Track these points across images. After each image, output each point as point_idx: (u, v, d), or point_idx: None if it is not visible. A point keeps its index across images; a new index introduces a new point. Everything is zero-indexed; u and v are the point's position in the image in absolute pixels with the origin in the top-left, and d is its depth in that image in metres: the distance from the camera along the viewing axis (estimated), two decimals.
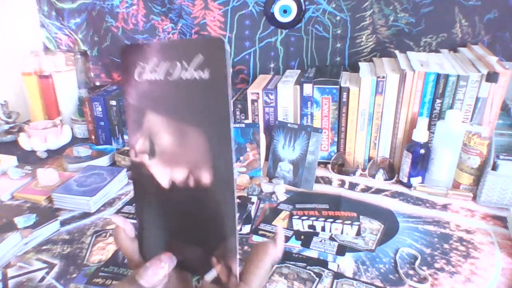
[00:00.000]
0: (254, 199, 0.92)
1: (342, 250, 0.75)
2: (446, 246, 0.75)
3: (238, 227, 0.31)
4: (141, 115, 0.32)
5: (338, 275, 0.68)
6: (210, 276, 0.32)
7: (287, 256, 0.73)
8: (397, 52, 1.07)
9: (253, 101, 1.06)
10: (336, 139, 1.06)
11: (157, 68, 0.30)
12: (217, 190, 0.30)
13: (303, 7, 1.17)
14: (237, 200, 0.30)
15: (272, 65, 1.26)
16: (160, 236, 0.34)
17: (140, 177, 0.33)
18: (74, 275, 0.69)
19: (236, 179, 0.30)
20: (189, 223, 0.33)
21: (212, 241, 0.32)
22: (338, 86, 1.00)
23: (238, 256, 0.31)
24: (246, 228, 0.81)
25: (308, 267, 0.70)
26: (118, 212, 0.88)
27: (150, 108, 0.31)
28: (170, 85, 0.30)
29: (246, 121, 1.07)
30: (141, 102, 0.32)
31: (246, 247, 0.75)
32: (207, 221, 0.32)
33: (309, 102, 1.03)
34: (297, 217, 0.85)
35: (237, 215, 0.30)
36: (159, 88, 0.30)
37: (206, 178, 0.30)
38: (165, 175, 0.32)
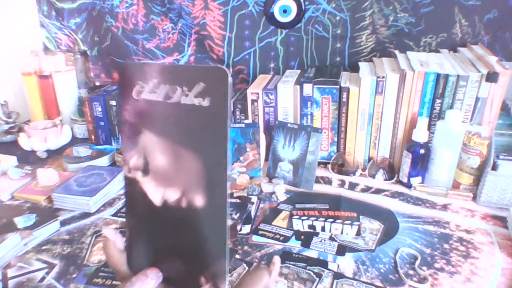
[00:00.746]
0: (254, 199, 0.92)
1: (342, 250, 0.75)
2: (446, 246, 0.75)
3: (228, 248, 0.31)
4: (137, 133, 0.32)
5: (338, 275, 0.68)
6: None
7: (287, 256, 0.73)
8: (397, 52, 1.07)
9: (253, 101, 1.06)
10: (336, 139, 1.06)
11: (156, 89, 0.30)
12: (209, 213, 0.30)
13: (303, 7, 1.17)
14: (228, 225, 0.30)
15: (272, 65, 1.26)
16: (148, 250, 0.34)
17: (133, 192, 0.33)
18: (74, 275, 0.69)
19: (229, 203, 0.30)
20: (179, 242, 0.33)
21: (201, 261, 0.32)
22: (338, 86, 1.00)
23: (227, 279, 0.31)
24: (246, 228, 0.81)
25: (308, 267, 0.70)
26: (118, 212, 0.88)
27: (146, 127, 0.31)
28: (168, 107, 0.30)
29: (246, 121, 1.07)
30: (137, 120, 0.32)
31: (246, 247, 0.76)
32: (197, 242, 0.32)
33: (309, 102, 1.03)
34: (297, 217, 0.85)
35: (228, 240, 0.30)
36: (157, 109, 0.30)
37: (199, 200, 0.30)
38: (157, 193, 0.32)
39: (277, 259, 0.36)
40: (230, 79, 0.27)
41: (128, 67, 0.32)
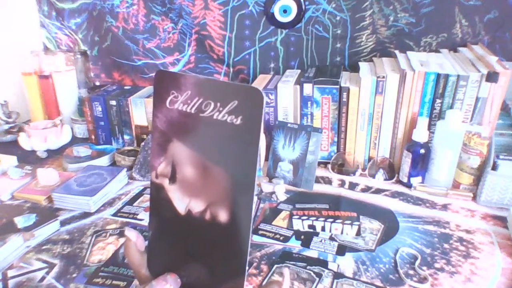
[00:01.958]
0: (254, 199, 0.91)
1: (342, 250, 0.75)
2: (446, 246, 0.75)
3: (247, 267, 0.31)
4: (167, 141, 0.32)
5: (338, 275, 0.68)
6: None
7: (287, 256, 0.73)
8: (397, 52, 1.07)
9: None
10: (336, 139, 1.06)
11: (190, 101, 0.30)
12: (232, 230, 0.30)
13: (303, 7, 1.17)
14: (249, 244, 0.30)
15: (272, 65, 1.26)
16: (169, 255, 0.35)
17: (158, 198, 0.33)
18: (74, 275, 0.69)
19: (252, 222, 0.31)
20: (199, 252, 0.33)
21: (219, 274, 0.32)
22: (338, 86, 1.00)
23: None
24: None
25: (308, 267, 0.70)
26: (118, 212, 0.88)
27: (176, 137, 0.32)
28: (200, 120, 0.30)
29: None
30: (168, 128, 0.32)
31: None
32: (217, 255, 0.32)
33: (309, 102, 1.03)
34: (297, 217, 0.85)
35: (248, 256, 0.31)
36: (188, 121, 0.31)
37: (223, 216, 0.30)
38: (182, 202, 0.32)
39: (286, 272, 0.36)
40: (265, 100, 0.28)
41: (163, 75, 0.32)
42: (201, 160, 0.31)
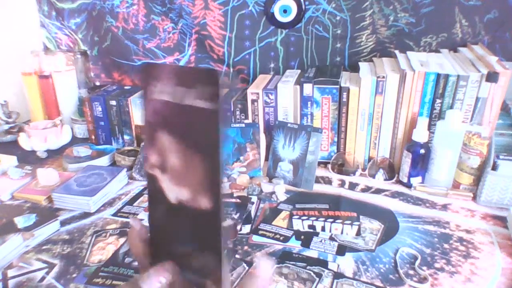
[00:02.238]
0: (254, 199, 0.92)
1: (342, 250, 0.75)
2: (446, 246, 0.75)
3: (230, 261, 0.32)
4: (154, 132, 0.33)
5: (338, 275, 0.68)
6: None
7: (287, 256, 0.73)
8: (397, 52, 1.07)
9: (253, 101, 1.06)
10: (336, 139, 1.06)
11: (168, 90, 0.31)
12: (209, 218, 0.32)
13: (303, 7, 1.17)
14: (223, 232, 0.32)
15: (272, 65, 1.26)
16: (168, 244, 0.36)
17: (153, 188, 0.35)
18: (74, 275, 0.69)
19: (223, 209, 0.32)
20: (190, 241, 0.34)
21: (207, 265, 0.33)
22: (338, 86, 1.00)
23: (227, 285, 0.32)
24: (246, 228, 0.81)
25: (308, 267, 0.70)
26: (118, 212, 0.88)
27: (161, 127, 0.33)
28: (176, 108, 0.31)
29: (246, 121, 1.07)
30: (154, 119, 0.33)
31: (246, 247, 0.76)
32: (203, 245, 0.33)
33: (309, 102, 1.03)
34: (297, 217, 0.85)
35: (225, 250, 0.32)
36: (168, 109, 0.32)
37: (205, 203, 0.31)
38: (173, 192, 0.33)
39: (262, 259, 0.37)
40: (222, 80, 0.28)
41: (146, 68, 0.33)
42: (181, 148, 0.32)
